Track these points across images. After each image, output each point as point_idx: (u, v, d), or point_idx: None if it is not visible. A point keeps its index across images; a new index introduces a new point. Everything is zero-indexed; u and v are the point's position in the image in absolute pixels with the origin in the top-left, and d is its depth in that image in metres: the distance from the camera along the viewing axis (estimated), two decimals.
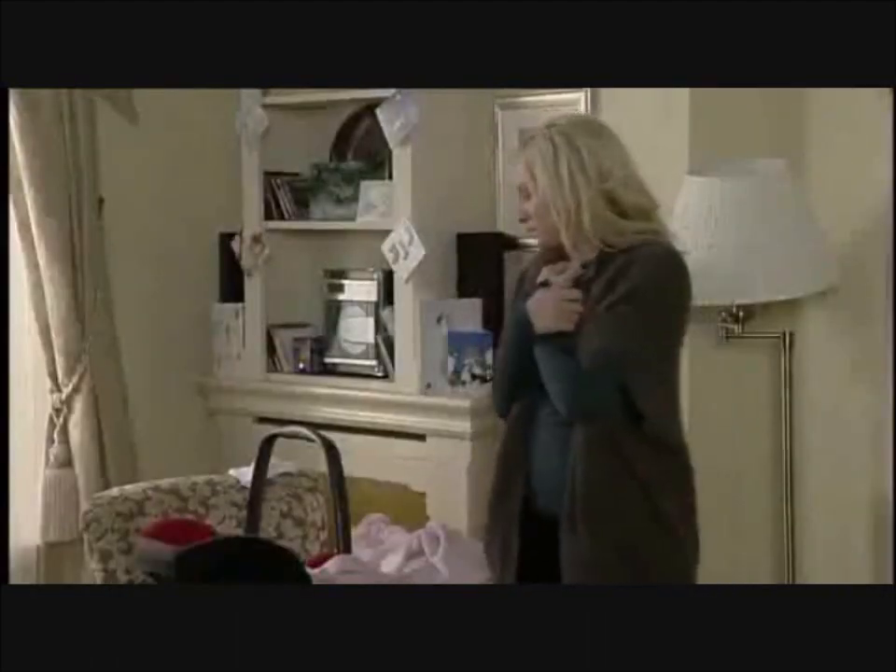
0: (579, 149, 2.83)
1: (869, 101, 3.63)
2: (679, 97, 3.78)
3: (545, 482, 2.89)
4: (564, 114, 2.96)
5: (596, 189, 2.82)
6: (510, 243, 4.25)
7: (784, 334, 3.80)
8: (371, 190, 4.47)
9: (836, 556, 3.84)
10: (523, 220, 2.92)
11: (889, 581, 3.64)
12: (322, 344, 4.64)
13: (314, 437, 3.43)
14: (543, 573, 2.88)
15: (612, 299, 2.77)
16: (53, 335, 4.37)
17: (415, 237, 4.24)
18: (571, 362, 2.78)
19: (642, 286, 2.77)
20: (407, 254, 4.27)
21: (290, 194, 4.66)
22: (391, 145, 4.33)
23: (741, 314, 3.77)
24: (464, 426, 4.14)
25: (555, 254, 2.92)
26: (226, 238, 4.75)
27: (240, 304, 4.74)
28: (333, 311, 4.61)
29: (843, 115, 3.75)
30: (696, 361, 3.88)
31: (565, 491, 2.82)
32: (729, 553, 3.90)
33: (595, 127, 2.92)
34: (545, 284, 2.87)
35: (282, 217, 4.67)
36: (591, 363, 2.76)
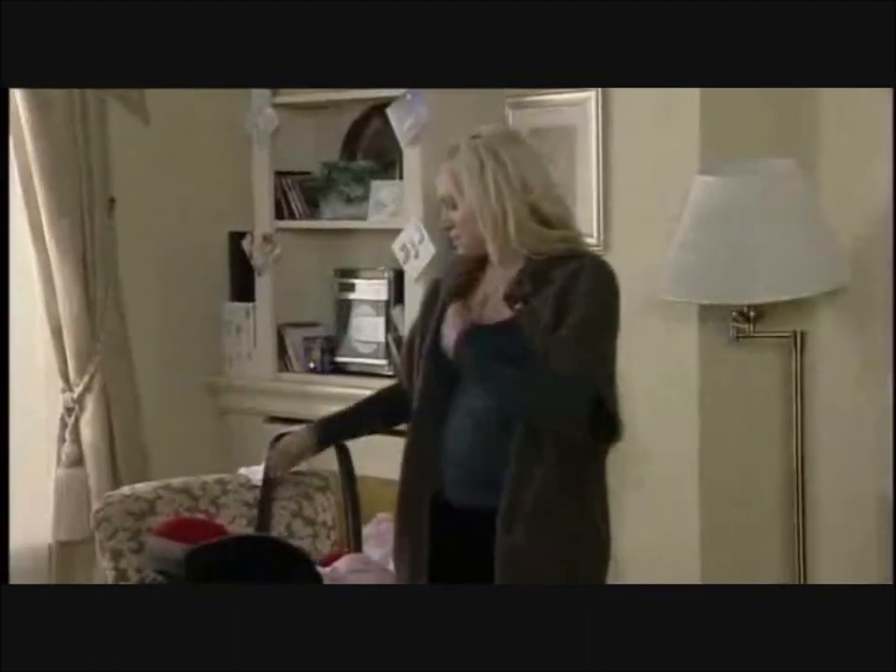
0: (505, 162, 2.91)
1: (879, 100, 3.62)
2: (689, 97, 3.77)
3: (463, 474, 2.92)
4: (488, 125, 3.02)
5: (520, 199, 2.90)
6: None
7: (795, 334, 3.79)
8: (382, 190, 4.47)
9: (847, 556, 3.84)
10: (447, 229, 2.98)
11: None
12: (332, 344, 4.65)
13: None
14: (456, 565, 2.91)
15: (575, 318, 2.83)
16: (65, 335, 4.38)
17: (426, 236, 4.24)
18: (542, 374, 2.83)
19: (597, 302, 2.85)
20: (417, 253, 4.27)
21: (301, 194, 4.66)
22: (401, 144, 4.33)
23: (752, 313, 3.77)
24: None
25: (474, 264, 2.99)
26: (236, 237, 4.76)
27: (250, 304, 4.74)
28: (344, 310, 4.61)
29: (852, 114, 3.74)
30: (707, 361, 3.88)
31: (498, 488, 2.85)
32: (739, 552, 3.90)
33: (518, 139, 3.00)
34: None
35: (292, 217, 4.67)
36: (573, 371, 2.82)
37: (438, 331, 2.97)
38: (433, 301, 3.05)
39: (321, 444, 3.33)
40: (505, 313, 2.91)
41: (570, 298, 2.85)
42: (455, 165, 2.94)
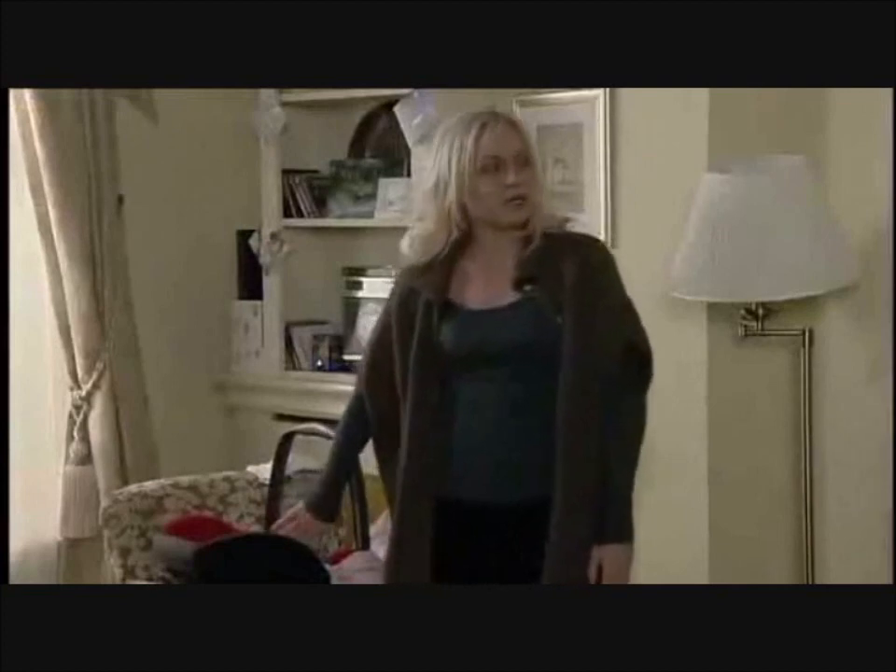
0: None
1: (887, 99, 3.61)
2: (698, 95, 3.77)
3: (493, 470, 2.86)
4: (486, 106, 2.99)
5: None
6: None
7: (804, 332, 3.78)
8: (390, 188, 4.47)
9: (856, 555, 3.83)
10: (513, 185, 2.85)
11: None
12: (340, 342, 4.65)
13: (332, 434, 3.43)
14: (463, 564, 2.88)
15: (610, 301, 2.89)
16: (73, 333, 4.38)
17: None
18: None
19: (616, 278, 2.94)
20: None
21: (309, 192, 4.66)
22: (409, 142, 4.33)
23: (761, 311, 3.76)
24: None
25: (444, 261, 2.91)
26: (244, 235, 4.76)
27: (258, 302, 4.74)
28: (352, 308, 4.61)
29: (861, 113, 3.73)
30: (716, 359, 3.87)
31: (539, 481, 2.82)
32: (747, 550, 3.89)
33: None
34: None
35: (300, 215, 4.67)
36: (625, 335, 2.92)
37: (428, 331, 2.89)
38: (410, 304, 2.94)
39: (330, 519, 3.17)
40: (510, 295, 2.88)
41: (595, 281, 2.87)
42: (519, 122, 2.89)
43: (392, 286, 3.07)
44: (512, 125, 2.88)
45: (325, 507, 3.10)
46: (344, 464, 3.11)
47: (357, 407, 3.09)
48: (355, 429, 3.10)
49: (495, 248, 2.91)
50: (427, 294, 2.92)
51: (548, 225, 2.89)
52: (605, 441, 2.84)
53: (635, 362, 2.92)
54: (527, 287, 2.87)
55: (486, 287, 2.90)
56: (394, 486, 2.97)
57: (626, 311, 2.92)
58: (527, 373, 2.86)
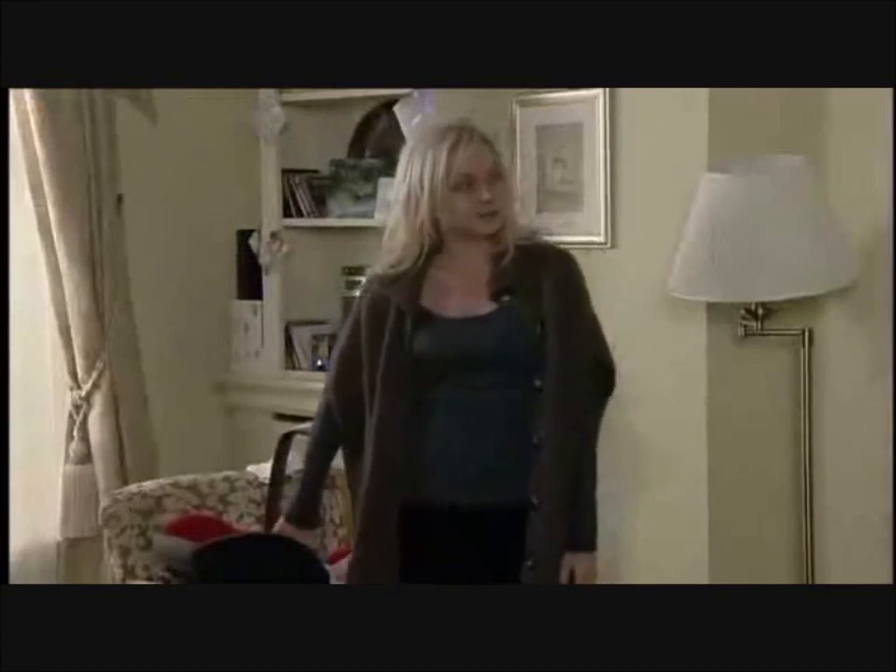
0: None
1: (886, 99, 3.62)
2: (698, 95, 3.77)
3: (479, 472, 2.87)
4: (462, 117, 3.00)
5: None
6: None
7: (804, 331, 3.79)
8: (390, 188, 4.45)
9: (856, 554, 3.83)
10: (487, 202, 2.87)
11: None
12: None
13: None
14: (453, 566, 2.88)
15: (584, 313, 2.95)
16: (73, 332, 4.38)
17: None
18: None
19: (587, 291, 2.98)
20: None
21: (308, 191, 4.66)
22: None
23: (760, 311, 3.76)
24: None
25: (412, 272, 2.92)
26: (244, 235, 4.76)
27: (258, 301, 4.74)
28: (351, 308, 4.60)
29: (861, 112, 3.74)
30: (716, 359, 3.87)
31: (521, 484, 2.84)
32: (747, 550, 3.89)
33: None
34: None
35: (300, 215, 4.67)
36: (592, 348, 2.96)
37: (399, 338, 2.90)
38: (381, 312, 2.95)
39: (312, 527, 3.20)
40: (488, 305, 2.90)
41: (569, 289, 2.91)
42: (490, 138, 2.91)
43: (360, 292, 3.07)
44: (484, 141, 2.90)
45: (304, 517, 3.16)
46: (319, 471, 3.15)
47: (327, 413, 3.08)
48: (327, 436, 3.11)
49: (466, 257, 2.94)
50: (398, 302, 2.93)
51: (520, 235, 2.93)
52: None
53: (600, 374, 2.96)
54: (505, 298, 2.90)
55: (463, 296, 2.92)
56: (358, 491, 2.98)
57: (595, 325, 2.98)
58: (507, 380, 2.89)
